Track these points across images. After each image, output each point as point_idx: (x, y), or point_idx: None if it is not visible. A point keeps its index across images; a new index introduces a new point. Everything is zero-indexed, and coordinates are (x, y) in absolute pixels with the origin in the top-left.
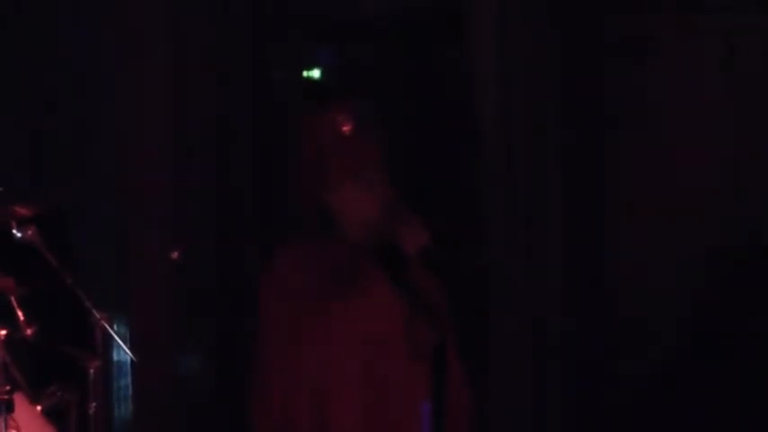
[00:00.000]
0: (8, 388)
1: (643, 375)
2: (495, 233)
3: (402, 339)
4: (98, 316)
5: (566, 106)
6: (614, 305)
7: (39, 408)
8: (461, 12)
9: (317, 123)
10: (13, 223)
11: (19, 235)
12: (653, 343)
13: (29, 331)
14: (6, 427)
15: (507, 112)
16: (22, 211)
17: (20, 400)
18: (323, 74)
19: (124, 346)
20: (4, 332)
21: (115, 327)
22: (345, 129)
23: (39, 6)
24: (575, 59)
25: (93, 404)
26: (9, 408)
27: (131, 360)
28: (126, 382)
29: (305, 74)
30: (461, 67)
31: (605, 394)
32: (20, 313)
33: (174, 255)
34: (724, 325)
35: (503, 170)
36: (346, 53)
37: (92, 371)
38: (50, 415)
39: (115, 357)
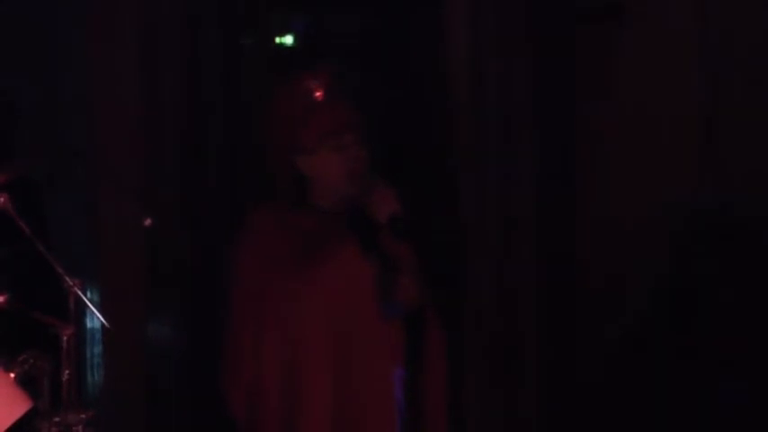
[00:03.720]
0: None
1: (613, 340)
2: (466, 206)
3: (373, 306)
4: (70, 283)
5: (537, 73)
6: (586, 272)
7: (12, 375)
8: None
9: (290, 88)
10: None
11: None
12: (624, 310)
13: (1, 298)
14: None
15: (480, 82)
16: None
17: None
18: (296, 41)
19: (97, 313)
20: None
21: (88, 294)
22: (319, 93)
23: None
24: (546, 27)
25: (67, 371)
26: None
27: (102, 326)
28: (99, 349)
29: (277, 41)
30: (436, 37)
31: (578, 360)
32: None
33: (147, 222)
34: (697, 290)
35: (476, 143)
36: (320, 21)
37: (65, 338)
38: (23, 382)
39: (88, 324)
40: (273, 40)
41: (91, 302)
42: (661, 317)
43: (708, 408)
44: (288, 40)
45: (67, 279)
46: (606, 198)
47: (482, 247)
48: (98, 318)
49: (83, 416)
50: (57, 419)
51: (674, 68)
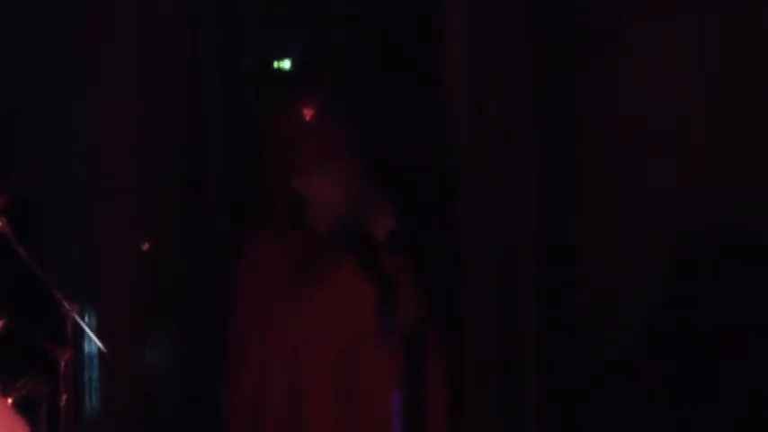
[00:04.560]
0: None
1: (612, 362)
2: (466, 222)
3: (372, 324)
4: (68, 308)
5: (537, 95)
6: (585, 291)
7: (9, 400)
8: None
9: (285, 113)
10: None
11: None
12: (622, 330)
13: None
14: None
15: (480, 99)
16: None
17: None
18: (293, 65)
19: (95, 338)
20: None
21: (86, 318)
22: (313, 117)
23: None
24: (546, 48)
25: (64, 396)
26: None
27: (100, 351)
28: (97, 373)
29: (275, 65)
30: (434, 55)
31: (574, 381)
32: None
33: (145, 246)
34: (693, 314)
35: (475, 158)
36: (318, 42)
37: (63, 363)
38: (21, 407)
39: (86, 349)
40: (271, 65)
41: (88, 327)
42: (661, 334)
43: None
44: (285, 64)
45: (65, 304)
46: (606, 212)
47: (482, 265)
48: (96, 342)
49: None
50: None
51: (674, 85)
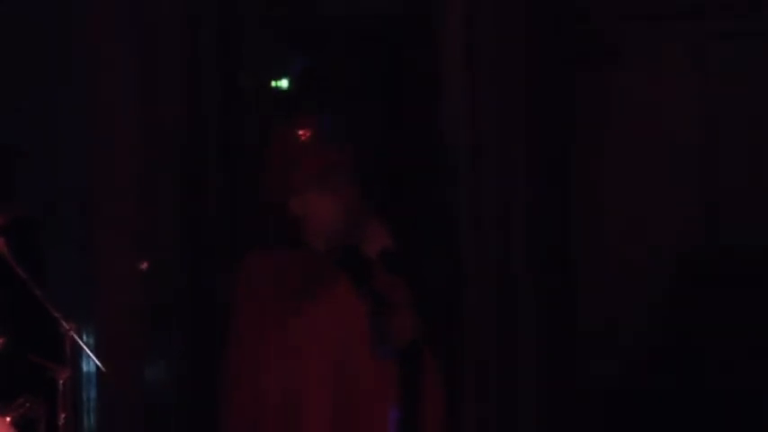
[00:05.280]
0: None
1: (613, 377)
2: (464, 237)
3: (366, 342)
4: (67, 327)
5: (535, 109)
6: (585, 305)
7: (8, 419)
8: (431, 15)
9: (281, 131)
10: None
11: None
12: (622, 330)
13: None
14: None
15: (476, 115)
16: None
17: None
18: (291, 84)
19: (94, 357)
20: None
21: (84, 337)
22: (308, 135)
23: (5, 15)
24: (545, 62)
25: (63, 415)
26: None
27: (98, 370)
28: (95, 392)
29: (273, 84)
30: (430, 70)
31: (576, 395)
32: None
33: (144, 266)
34: (693, 315)
35: (470, 174)
36: (315, 58)
37: (61, 382)
38: (19, 426)
39: (84, 368)
40: (269, 83)
41: (87, 346)
42: (660, 335)
43: None
44: (283, 83)
45: (63, 323)
46: (606, 214)
47: (481, 265)
48: (94, 361)
49: None
50: None
51: (673, 86)
